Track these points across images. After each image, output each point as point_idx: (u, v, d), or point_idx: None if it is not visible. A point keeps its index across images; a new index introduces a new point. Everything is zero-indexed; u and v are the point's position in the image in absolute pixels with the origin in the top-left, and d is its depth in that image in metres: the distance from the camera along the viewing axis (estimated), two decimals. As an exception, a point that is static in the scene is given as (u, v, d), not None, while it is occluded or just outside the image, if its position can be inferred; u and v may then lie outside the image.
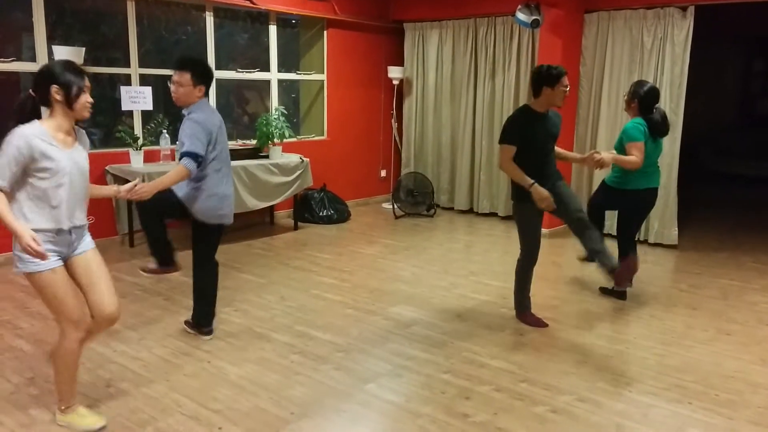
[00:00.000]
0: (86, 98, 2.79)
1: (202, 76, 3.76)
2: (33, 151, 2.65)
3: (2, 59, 5.46)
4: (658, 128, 4.69)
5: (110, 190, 3.29)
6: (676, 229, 6.56)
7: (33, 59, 5.55)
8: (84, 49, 5.48)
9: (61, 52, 5.27)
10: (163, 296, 4.82)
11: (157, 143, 6.22)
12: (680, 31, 6.27)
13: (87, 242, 2.96)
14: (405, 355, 3.86)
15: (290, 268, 5.66)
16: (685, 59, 6.28)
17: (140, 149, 6.00)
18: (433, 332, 4.23)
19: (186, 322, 4.13)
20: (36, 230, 2.67)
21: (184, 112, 3.79)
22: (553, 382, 3.55)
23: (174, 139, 6.17)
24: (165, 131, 6.20)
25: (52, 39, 5.60)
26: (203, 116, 3.73)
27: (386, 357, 3.83)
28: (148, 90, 6.06)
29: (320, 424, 3.08)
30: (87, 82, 2.81)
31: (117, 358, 3.72)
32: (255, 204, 6.49)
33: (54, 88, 2.71)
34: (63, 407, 2.99)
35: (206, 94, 3.84)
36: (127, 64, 6.18)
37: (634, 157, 4.49)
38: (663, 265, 6.08)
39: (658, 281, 5.58)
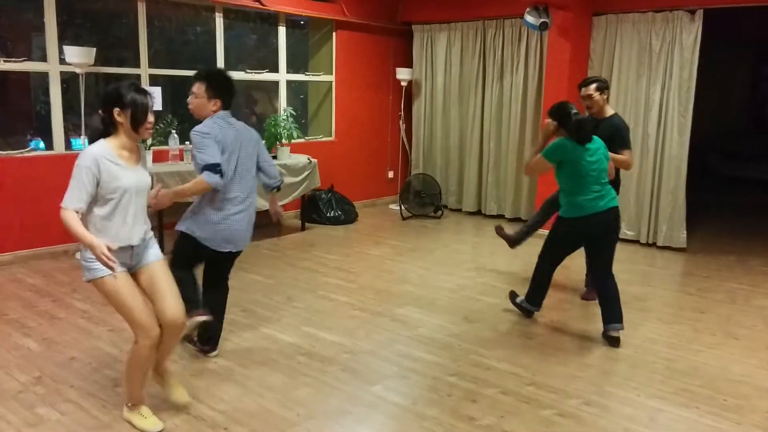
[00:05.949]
0: (150, 120, 2.80)
1: (218, 90, 3.48)
2: (101, 172, 2.69)
3: (13, 59, 5.50)
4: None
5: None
6: (685, 232, 6.53)
7: (44, 59, 5.58)
8: (94, 49, 5.51)
9: (72, 52, 5.31)
10: (170, 296, 4.83)
11: (166, 143, 6.24)
12: (689, 34, 6.25)
13: (152, 254, 2.97)
14: (411, 357, 3.86)
15: (297, 268, 5.67)
16: (694, 63, 6.26)
17: (149, 149, 6.02)
18: (439, 334, 4.23)
19: (187, 338, 3.72)
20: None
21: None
22: (560, 385, 3.54)
23: (182, 139, 6.20)
24: (174, 131, 6.22)
25: (62, 39, 5.63)
26: (208, 126, 3.44)
27: (393, 359, 3.83)
28: (157, 90, 6.08)
29: (326, 425, 3.08)
30: (150, 102, 2.80)
31: (124, 358, 3.72)
32: (262, 204, 6.48)
33: (116, 110, 2.73)
34: (129, 404, 3.04)
35: (223, 109, 3.53)
36: (137, 65, 6.21)
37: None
38: (671, 268, 6.06)
39: (666, 284, 5.57)
